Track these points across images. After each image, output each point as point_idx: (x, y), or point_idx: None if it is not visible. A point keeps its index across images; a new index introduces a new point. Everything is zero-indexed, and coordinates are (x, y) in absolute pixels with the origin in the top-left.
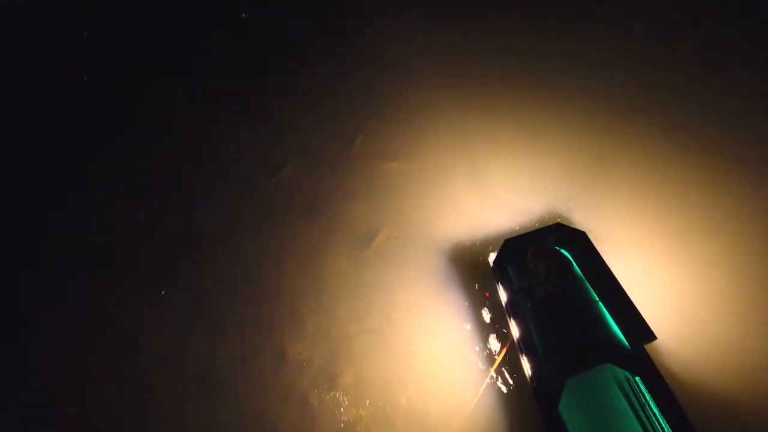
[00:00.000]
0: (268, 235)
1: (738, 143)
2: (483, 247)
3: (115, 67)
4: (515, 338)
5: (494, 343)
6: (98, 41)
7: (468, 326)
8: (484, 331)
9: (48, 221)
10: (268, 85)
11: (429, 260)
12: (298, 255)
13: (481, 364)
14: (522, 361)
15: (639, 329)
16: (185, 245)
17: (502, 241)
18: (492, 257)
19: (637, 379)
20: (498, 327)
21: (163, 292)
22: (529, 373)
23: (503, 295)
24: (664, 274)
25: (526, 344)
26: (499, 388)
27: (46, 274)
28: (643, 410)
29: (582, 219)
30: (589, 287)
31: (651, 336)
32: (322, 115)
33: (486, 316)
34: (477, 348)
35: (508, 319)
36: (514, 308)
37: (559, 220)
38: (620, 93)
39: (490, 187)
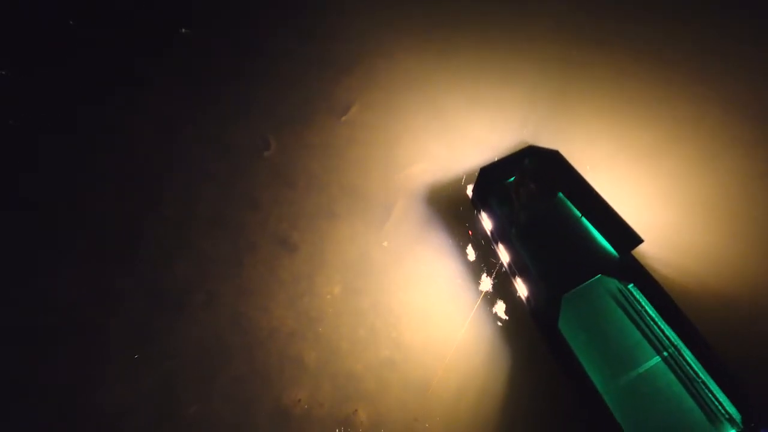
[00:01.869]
0: (248, 276)
1: (700, 57)
2: (459, 184)
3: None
4: (506, 264)
5: (486, 278)
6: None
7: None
8: (475, 267)
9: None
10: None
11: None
12: (285, 290)
13: (475, 297)
14: (516, 285)
15: (624, 235)
16: (158, 303)
17: (478, 171)
18: (470, 189)
19: (631, 286)
20: (486, 260)
21: (136, 356)
22: (525, 294)
23: (487, 225)
24: (639, 186)
25: (519, 268)
26: (496, 318)
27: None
28: (640, 317)
29: (552, 142)
30: (570, 204)
31: (637, 239)
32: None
33: (472, 253)
34: (472, 285)
35: (495, 246)
36: (501, 235)
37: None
38: (581, 18)
39: (456, 128)
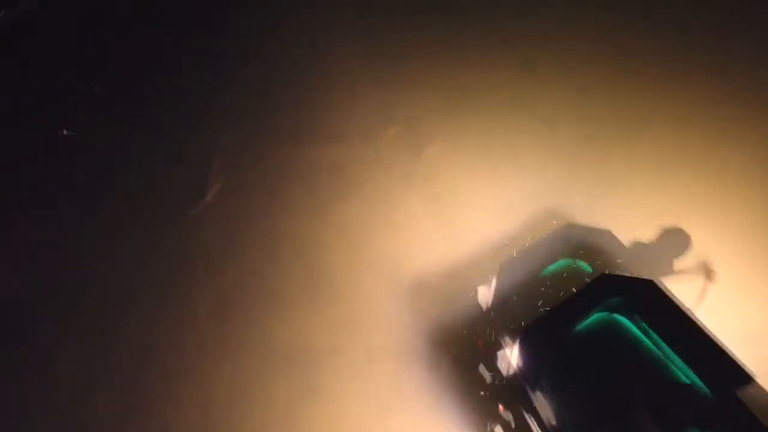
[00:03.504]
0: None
1: None
2: (481, 322)
3: None
4: None
5: None
6: None
7: None
8: None
9: None
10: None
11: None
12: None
13: None
14: None
15: (726, 369)
16: None
17: (520, 333)
18: (513, 354)
19: None
20: None
21: None
22: None
23: (545, 412)
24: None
25: None
26: None
27: None
28: None
29: (597, 219)
30: (651, 346)
31: (744, 377)
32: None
33: None
34: None
35: None
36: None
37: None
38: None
39: (456, 223)
